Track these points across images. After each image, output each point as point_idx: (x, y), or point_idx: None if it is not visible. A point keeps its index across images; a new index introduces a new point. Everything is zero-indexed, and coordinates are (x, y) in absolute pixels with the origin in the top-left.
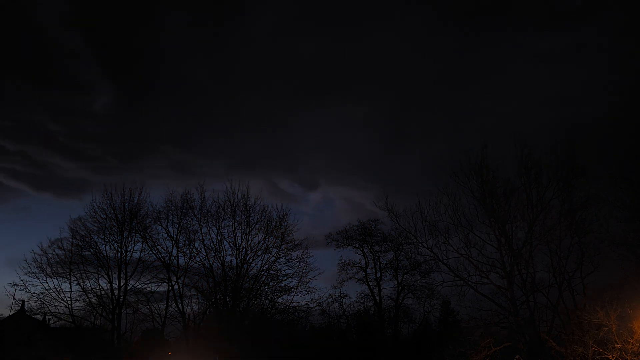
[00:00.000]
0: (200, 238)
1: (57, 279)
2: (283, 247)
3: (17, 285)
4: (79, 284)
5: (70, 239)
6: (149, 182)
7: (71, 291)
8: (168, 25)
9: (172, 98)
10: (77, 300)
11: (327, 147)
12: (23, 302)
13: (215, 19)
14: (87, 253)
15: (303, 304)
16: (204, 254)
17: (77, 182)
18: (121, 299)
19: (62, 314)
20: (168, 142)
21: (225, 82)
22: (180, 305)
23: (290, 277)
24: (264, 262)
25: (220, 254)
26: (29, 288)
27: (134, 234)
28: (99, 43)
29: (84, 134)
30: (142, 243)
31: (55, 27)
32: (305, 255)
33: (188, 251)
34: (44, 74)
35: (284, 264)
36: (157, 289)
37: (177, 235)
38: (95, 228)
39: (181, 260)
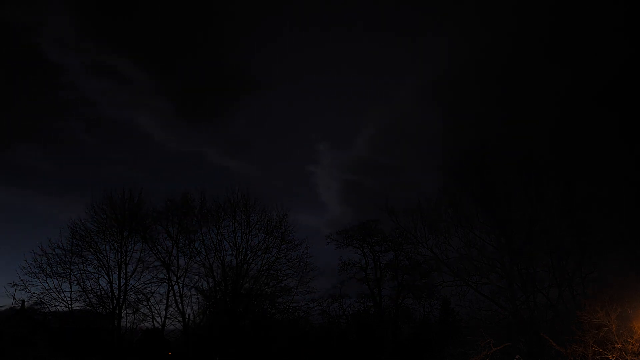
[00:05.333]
0: (200, 238)
1: (57, 279)
2: (283, 247)
3: (17, 285)
4: (79, 284)
5: (70, 239)
6: None
7: (71, 291)
8: None
9: None
10: (77, 300)
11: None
12: (23, 302)
13: None
14: (87, 253)
15: (303, 304)
16: (204, 254)
17: None
18: (121, 299)
19: (62, 313)
20: None
21: None
22: (180, 305)
23: (290, 277)
24: (264, 262)
25: (220, 254)
26: (29, 288)
27: (134, 234)
28: None
29: None
30: (142, 243)
31: None
32: (305, 255)
33: (188, 251)
34: None
35: (284, 264)
36: (157, 289)
37: (177, 235)
38: (96, 228)
39: (181, 260)
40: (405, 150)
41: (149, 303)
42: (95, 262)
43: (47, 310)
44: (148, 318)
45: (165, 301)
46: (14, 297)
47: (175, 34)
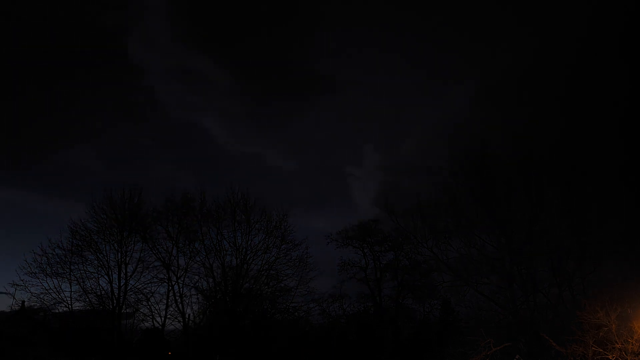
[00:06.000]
0: (200, 238)
1: (57, 279)
2: (283, 247)
3: (17, 285)
4: (79, 284)
5: (70, 239)
6: None
7: (71, 291)
8: None
9: None
10: (77, 300)
11: None
12: (23, 302)
13: None
14: (87, 253)
15: (303, 304)
16: (204, 254)
17: None
18: (121, 299)
19: (62, 313)
20: None
21: None
22: (180, 305)
23: (290, 277)
24: (264, 262)
25: (220, 254)
26: (29, 288)
27: (134, 234)
28: None
29: None
30: (142, 243)
31: None
32: (305, 255)
33: (188, 251)
34: None
35: (284, 264)
36: (157, 289)
37: (177, 235)
38: (96, 228)
39: (181, 260)
40: (447, 153)
41: (149, 303)
42: (95, 262)
43: (48, 311)
44: (148, 318)
45: (165, 301)
46: (14, 297)
47: (248, 37)
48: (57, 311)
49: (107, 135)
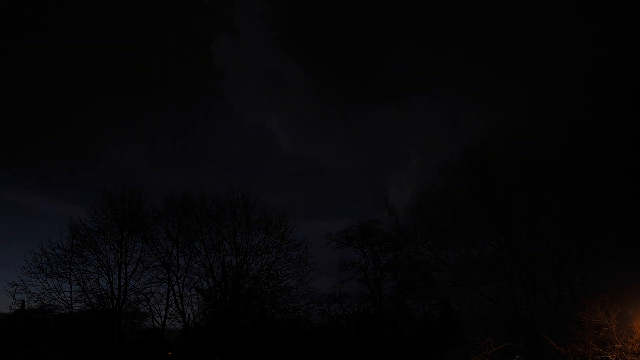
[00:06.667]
0: (200, 238)
1: (57, 279)
2: (283, 247)
3: (17, 285)
4: (79, 284)
5: (70, 239)
6: None
7: (71, 291)
8: None
9: None
10: (77, 300)
11: None
12: (23, 302)
13: None
14: (87, 253)
15: (303, 304)
16: (204, 254)
17: None
18: (121, 299)
19: (62, 314)
20: None
21: None
22: (180, 305)
23: (290, 277)
24: (264, 262)
25: (220, 254)
26: (29, 288)
27: (134, 234)
28: None
29: None
30: (142, 243)
31: None
32: (305, 255)
33: (188, 251)
34: None
35: (284, 264)
36: (157, 289)
37: (177, 235)
38: (96, 228)
39: (181, 260)
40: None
41: (149, 303)
42: (95, 262)
43: (48, 312)
44: (148, 318)
45: (165, 301)
46: (13, 297)
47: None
48: (57, 311)
49: (163, 136)
